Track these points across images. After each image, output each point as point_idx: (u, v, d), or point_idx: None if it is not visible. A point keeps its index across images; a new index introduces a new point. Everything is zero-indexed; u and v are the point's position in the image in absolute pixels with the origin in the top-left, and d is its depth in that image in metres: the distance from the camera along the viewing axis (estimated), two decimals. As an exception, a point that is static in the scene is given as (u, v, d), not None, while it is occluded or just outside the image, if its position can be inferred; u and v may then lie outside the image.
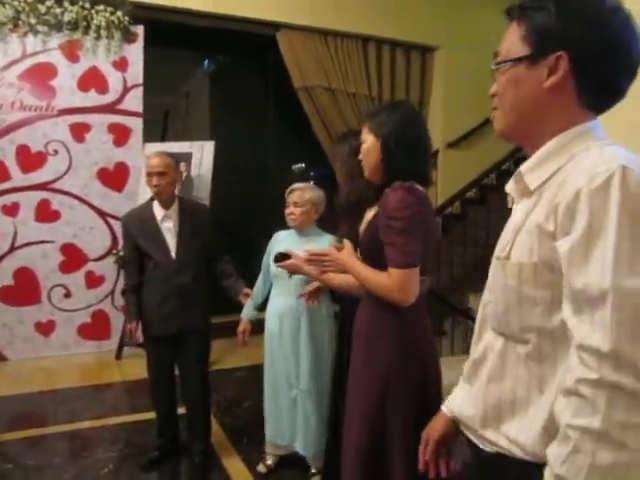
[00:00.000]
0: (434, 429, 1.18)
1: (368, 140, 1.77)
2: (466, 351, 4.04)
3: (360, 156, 1.82)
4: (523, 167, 0.97)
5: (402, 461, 1.60)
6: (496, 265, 0.99)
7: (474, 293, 4.76)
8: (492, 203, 5.19)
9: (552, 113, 0.92)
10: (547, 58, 0.89)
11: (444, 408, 1.17)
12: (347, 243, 1.84)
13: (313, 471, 2.60)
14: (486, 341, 1.01)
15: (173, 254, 2.66)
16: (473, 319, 4.05)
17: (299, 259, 2.08)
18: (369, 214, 2.05)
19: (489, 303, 1.03)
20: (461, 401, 1.08)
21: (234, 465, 2.77)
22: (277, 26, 4.90)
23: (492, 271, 1.01)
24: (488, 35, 5.50)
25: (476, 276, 4.88)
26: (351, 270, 1.75)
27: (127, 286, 2.81)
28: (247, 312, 2.72)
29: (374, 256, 1.68)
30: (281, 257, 2.15)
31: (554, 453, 0.81)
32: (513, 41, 0.94)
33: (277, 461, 2.70)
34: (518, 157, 5.46)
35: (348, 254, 1.79)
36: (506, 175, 5.41)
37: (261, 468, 2.69)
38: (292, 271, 2.16)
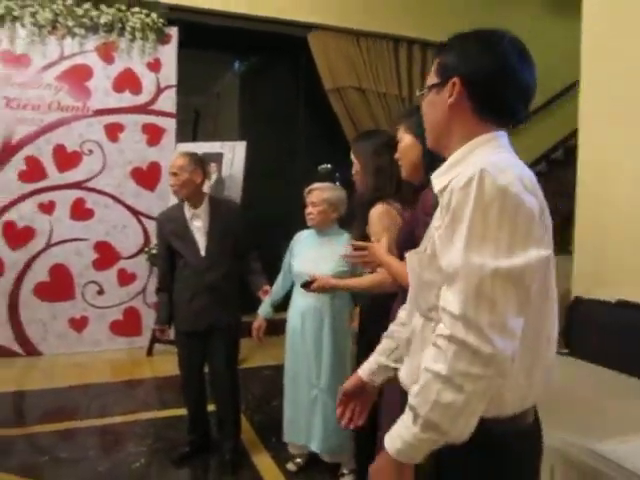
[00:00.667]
0: (345, 385, 1.39)
1: (405, 140, 1.77)
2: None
3: (397, 155, 1.82)
4: (434, 174, 1.16)
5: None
6: (409, 256, 1.17)
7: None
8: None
9: (456, 128, 1.13)
10: (447, 84, 1.11)
11: (359, 370, 1.38)
12: (383, 240, 1.85)
13: (344, 471, 2.59)
14: (414, 322, 1.17)
15: (203, 252, 2.69)
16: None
17: (322, 279, 2.28)
18: (375, 211, 2.07)
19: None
20: (403, 369, 1.24)
21: (264, 463, 2.79)
22: (309, 27, 4.92)
23: (407, 262, 1.19)
24: (517, 35, 5.51)
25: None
26: (385, 265, 1.76)
27: (160, 284, 2.86)
28: (263, 309, 2.74)
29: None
30: (308, 283, 2.31)
31: (413, 388, 1.01)
32: (432, 74, 1.18)
33: (307, 460, 2.71)
34: (552, 159, 5.40)
35: (383, 250, 1.80)
36: (539, 176, 5.34)
37: (291, 466, 2.69)
38: (320, 292, 2.34)
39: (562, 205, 5.08)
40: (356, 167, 2.27)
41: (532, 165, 5.29)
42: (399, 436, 1.00)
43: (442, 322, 0.98)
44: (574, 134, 3.67)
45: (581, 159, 2.97)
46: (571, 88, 5.08)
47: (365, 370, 1.37)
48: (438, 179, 1.13)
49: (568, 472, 1.54)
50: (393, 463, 1.02)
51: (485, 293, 0.94)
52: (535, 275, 0.96)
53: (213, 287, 2.67)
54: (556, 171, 5.32)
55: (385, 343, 1.37)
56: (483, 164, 0.98)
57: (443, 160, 1.71)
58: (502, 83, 1.08)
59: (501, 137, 1.12)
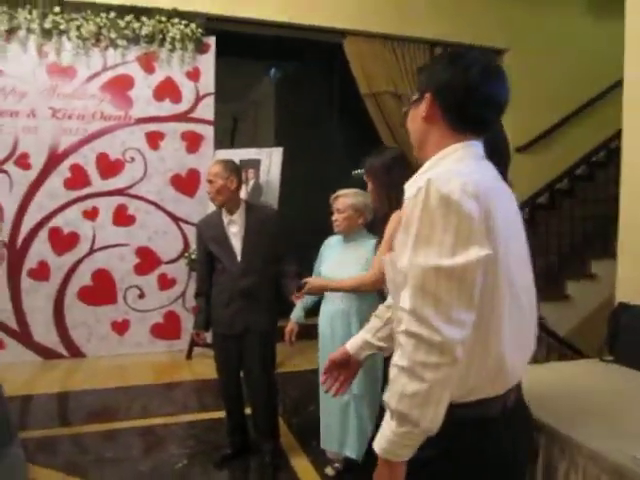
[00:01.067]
0: (333, 354, 1.51)
1: None
2: (540, 360, 3.87)
3: None
4: (406, 183, 1.24)
5: None
6: (385, 260, 1.27)
7: (543, 302, 4.60)
8: (564, 209, 5.03)
9: (431, 139, 1.26)
10: (423, 99, 1.26)
11: (347, 344, 1.51)
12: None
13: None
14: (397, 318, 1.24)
15: (239, 257, 2.74)
16: (544, 328, 3.91)
17: (311, 280, 2.42)
18: (395, 216, 2.12)
19: None
20: None
21: (302, 466, 2.80)
22: (344, 33, 4.95)
23: (384, 265, 1.29)
24: (556, 37, 5.39)
25: (546, 285, 4.74)
26: None
27: (198, 289, 2.92)
28: (295, 314, 2.79)
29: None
30: (301, 287, 2.43)
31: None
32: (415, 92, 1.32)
33: (345, 465, 2.71)
34: (593, 161, 5.28)
35: None
36: (580, 180, 5.24)
37: (329, 471, 2.70)
38: (316, 292, 2.48)
39: (603, 208, 4.97)
40: (370, 186, 2.30)
41: (573, 168, 5.19)
42: (383, 434, 1.08)
43: (401, 319, 1.08)
44: (617, 136, 3.59)
45: (625, 160, 2.90)
46: (613, 88, 4.96)
47: (352, 344, 1.50)
48: (408, 188, 1.23)
49: (614, 481, 1.51)
50: (383, 464, 1.09)
51: (431, 289, 1.05)
52: (477, 272, 1.05)
53: (249, 292, 2.71)
54: (597, 173, 5.20)
55: (373, 322, 1.50)
56: (431, 175, 1.11)
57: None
58: (466, 96, 1.21)
59: (470, 146, 1.23)
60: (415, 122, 1.29)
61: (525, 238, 1.26)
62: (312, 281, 2.43)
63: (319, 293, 2.54)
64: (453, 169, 1.15)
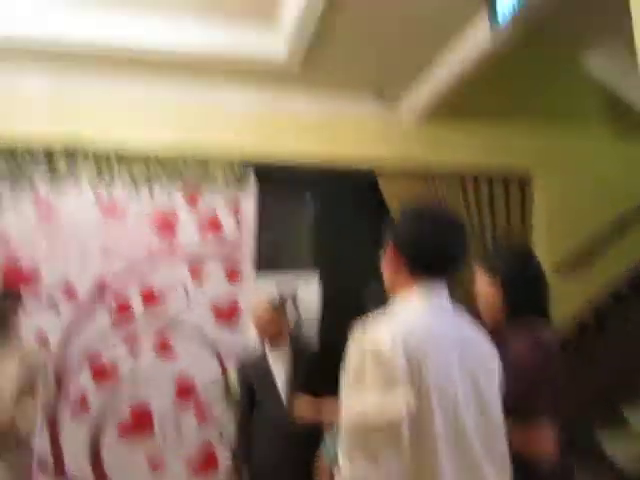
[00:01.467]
0: None
1: (483, 282, 1.79)
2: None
3: (476, 292, 1.84)
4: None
5: None
6: None
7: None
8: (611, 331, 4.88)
9: (397, 280, 1.46)
10: (387, 246, 1.49)
11: None
12: None
13: None
14: None
15: (284, 400, 2.71)
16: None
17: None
18: None
19: None
20: None
21: None
22: (379, 168, 5.17)
23: None
24: (586, 161, 5.48)
25: (595, 415, 4.46)
26: None
27: (237, 451, 2.88)
28: (327, 452, 2.71)
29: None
30: None
31: None
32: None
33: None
34: (636, 283, 5.18)
35: None
36: (626, 300, 5.10)
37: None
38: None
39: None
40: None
41: (617, 287, 5.09)
42: None
43: None
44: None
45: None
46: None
47: None
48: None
49: None
50: None
51: (360, 433, 1.18)
52: (403, 419, 1.17)
53: (297, 438, 2.68)
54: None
55: None
56: (369, 325, 1.31)
57: (525, 303, 1.71)
58: (415, 245, 1.42)
59: (428, 291, 1.40)
60: (384, 267, 1.52)
61: (488, 381, 1.34)
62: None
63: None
64: (396, 319, 1.33)
